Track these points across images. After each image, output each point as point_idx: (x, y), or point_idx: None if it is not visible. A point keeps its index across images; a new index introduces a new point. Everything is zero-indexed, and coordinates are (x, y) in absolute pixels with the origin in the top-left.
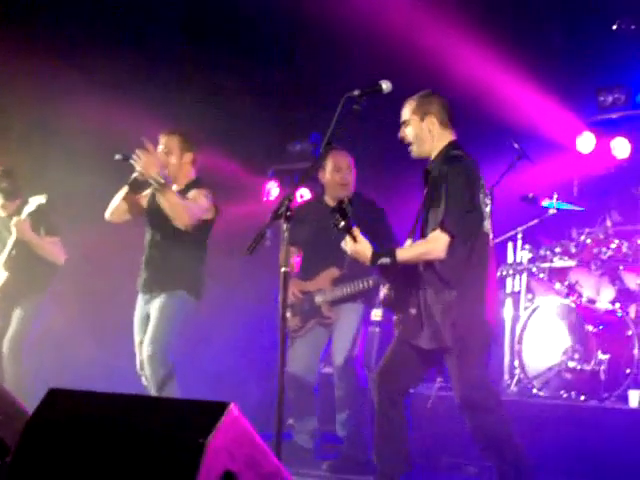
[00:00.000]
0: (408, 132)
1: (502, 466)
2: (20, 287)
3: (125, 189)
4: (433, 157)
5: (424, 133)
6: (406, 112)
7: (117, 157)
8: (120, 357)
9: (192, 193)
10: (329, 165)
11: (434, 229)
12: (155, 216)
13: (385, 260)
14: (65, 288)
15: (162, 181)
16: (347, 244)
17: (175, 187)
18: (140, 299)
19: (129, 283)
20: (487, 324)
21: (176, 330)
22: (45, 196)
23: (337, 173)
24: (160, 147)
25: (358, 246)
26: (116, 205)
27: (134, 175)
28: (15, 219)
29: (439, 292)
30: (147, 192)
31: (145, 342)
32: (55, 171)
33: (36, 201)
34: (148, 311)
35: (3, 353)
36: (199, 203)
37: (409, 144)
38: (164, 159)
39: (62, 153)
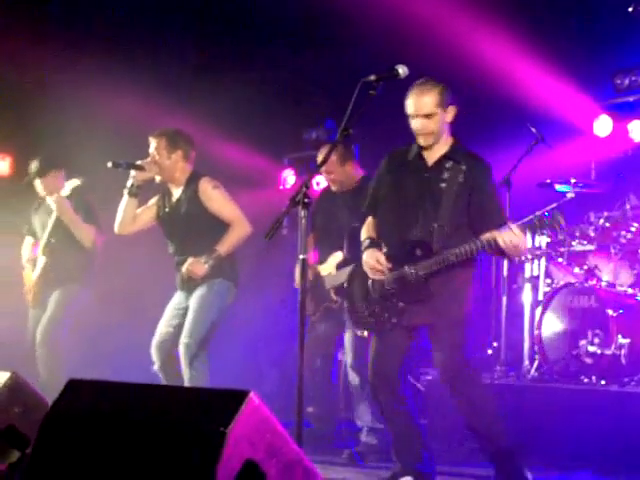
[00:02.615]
0: (432, 124)
1: (490, 445)
2: (56, 275)
3: (125, 198)
4: (445, 150)
5: (444, 125)
6: (429, 104)
7: (109, 165)
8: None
9: (205, 192)
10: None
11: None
12: (169, 224)
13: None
14: (106, 281)
15: None
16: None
17: (175, 187)
18: (179, 293)
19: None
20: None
21: (214, 321)
22: (81, 179)
23: (326, 174)
24: (150, 150)
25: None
26: (122, 216)
27: (130, 181)
28: (55, 195)
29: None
30: (154, 201)
31: (184, 332)
32: (90, 166)
33: (71, 184)
34: (187, 305)
35: (36, 343)
36: (230, 207)
37: (425, 137)
38: (155, 161)
39: (97, 146)
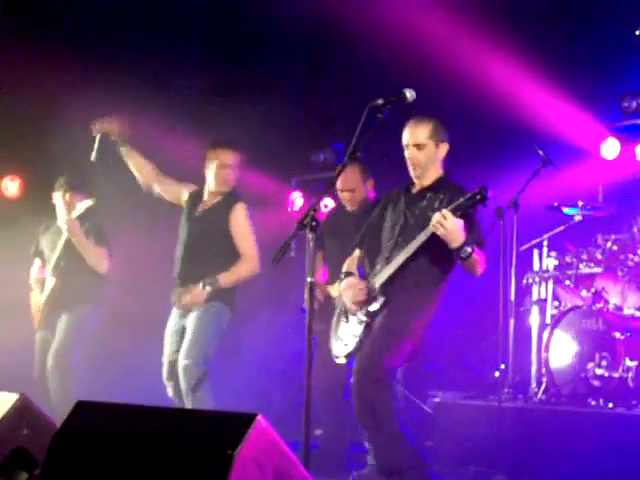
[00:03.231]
0: (421, 155)
1: (381, 459)
2: (65, 297)
3: (122, 152)
4: (430, 182)
5: (434, 159)
6: (422, 135)
7: (93, 158)
8: None
9: (237, 216)
10: (338, 183)
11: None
12: (189, 228)
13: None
14: (117, 303)
15: None
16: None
17: (209, 195)
18: (175, 312)
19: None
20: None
21: (212, 342)
22: (93, 200)
23: (340, 193)
24: (224, 161)
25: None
26: (136, 171)
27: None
28: (65, 217)
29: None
30: (186, 192)
31: (181, 354)
32: (99, 188)
33: (84, 205)
34: (184, 324)
35: (47, 366)
36: (250, 240)
37: (414, 166)
38: (231, 174)
39: (106, 168)
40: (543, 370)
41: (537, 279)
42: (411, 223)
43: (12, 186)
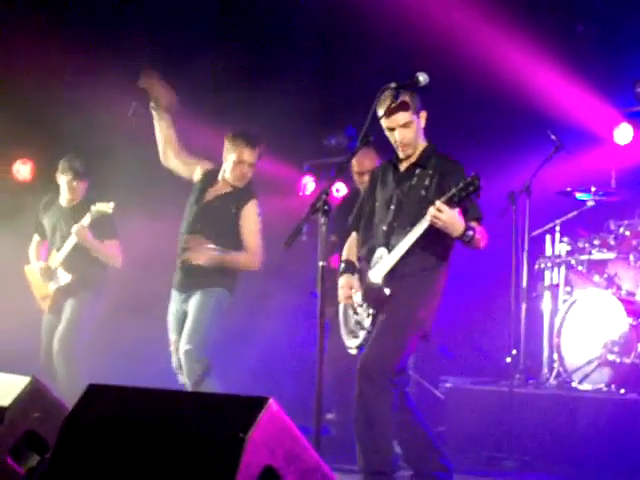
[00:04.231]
0: (410, 133)
1: (367, 462)
2: (71, 285)
3: (155, 116)
4: (417, 156)
5: (420, 132)
6: (406, 112)
7: (131, 113)
8: None
9: (249, 212)
10: (354, 166)
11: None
12: (198, 211)
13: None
14: (123, 290)
15: None
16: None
17: (224, 182)
18: (176, 297)
19: None
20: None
21: (213, 327)
22: (111, 205)
23: (359, 176)
24: (245, 157)
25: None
26: (159, 143)
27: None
28: (76, 226)
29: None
30: (200, 171)
31: (183, 339)
32: (109, 172)
33: (102, 208)
34: (185, 309)
35: (54, 351)
36: (257, 238)
37: (406, 147)
38: (248, 171)
39: (116, 151)
40: (555, 356)
41: (549, 264)
42: (404, 205)
43: (24, 169)
